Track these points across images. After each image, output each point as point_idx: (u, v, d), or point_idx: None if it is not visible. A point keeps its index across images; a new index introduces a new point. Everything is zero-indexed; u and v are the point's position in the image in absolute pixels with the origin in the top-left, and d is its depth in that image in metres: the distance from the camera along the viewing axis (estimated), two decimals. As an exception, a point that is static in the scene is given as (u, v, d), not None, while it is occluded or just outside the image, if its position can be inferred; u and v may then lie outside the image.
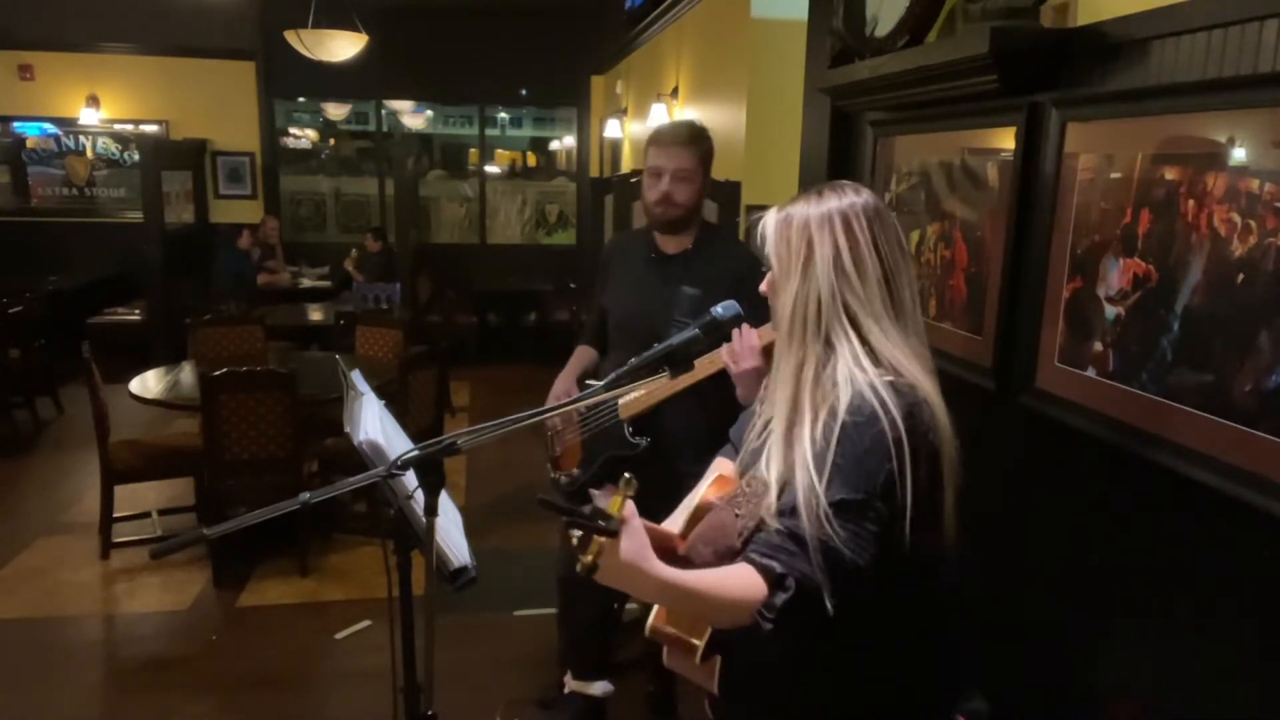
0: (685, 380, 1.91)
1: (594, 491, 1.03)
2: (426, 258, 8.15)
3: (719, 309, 1.45)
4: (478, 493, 4.80)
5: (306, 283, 7.89)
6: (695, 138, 2.34)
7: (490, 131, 9.23)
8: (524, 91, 8.99)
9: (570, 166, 9.27)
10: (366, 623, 3.43)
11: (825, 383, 1.21)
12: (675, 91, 5.77)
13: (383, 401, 1.66)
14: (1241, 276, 1.31)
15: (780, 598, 1.08)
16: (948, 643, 1.38)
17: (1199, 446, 1.39)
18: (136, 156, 7.61)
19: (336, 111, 8.94)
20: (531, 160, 10.03)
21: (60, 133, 8.03)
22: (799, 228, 1.25)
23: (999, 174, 1.93)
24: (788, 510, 1.14)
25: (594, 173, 8.72)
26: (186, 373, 4.43)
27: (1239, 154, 1.33)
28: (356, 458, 1.47)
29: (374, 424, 1.49)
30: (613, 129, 7.40)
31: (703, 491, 1.41)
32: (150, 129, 8.00)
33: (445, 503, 1.48)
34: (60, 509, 4.52)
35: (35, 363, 5.96)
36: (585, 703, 2.72)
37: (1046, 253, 1.76)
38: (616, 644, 2.88)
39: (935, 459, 1.18)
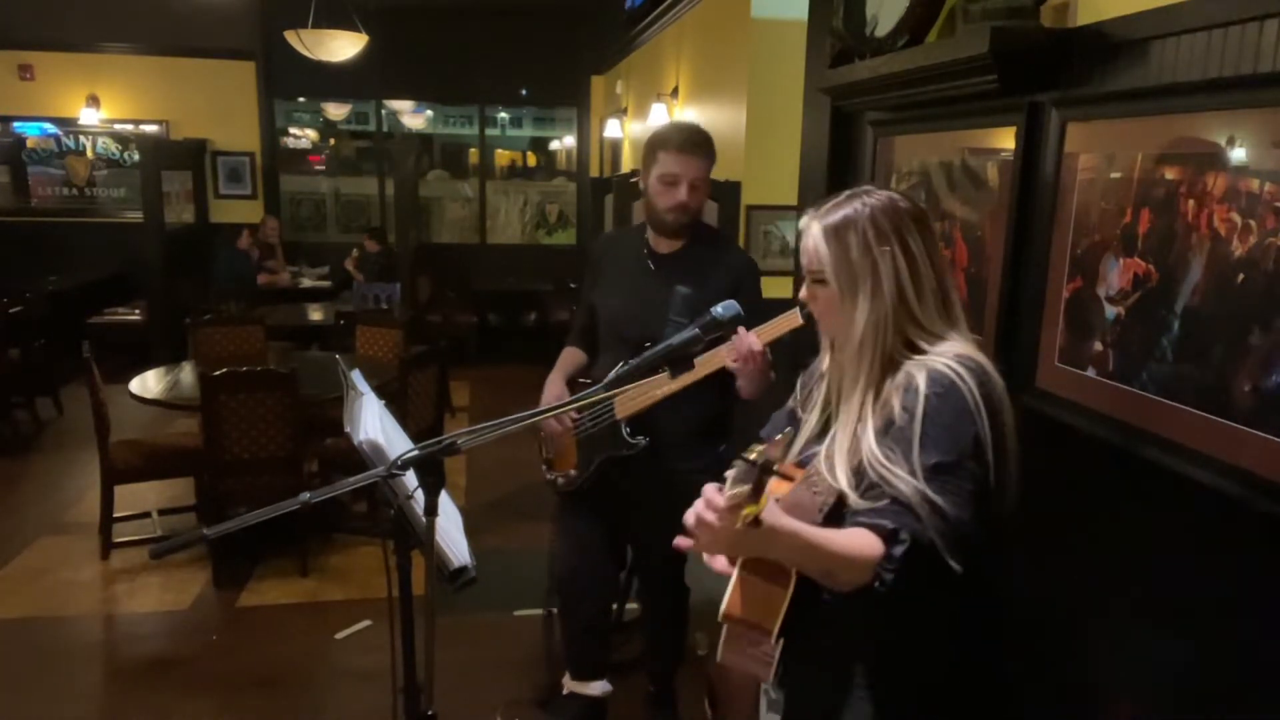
0: (686, 379, 1.91)
1: (756, 446, 1.04)
2: (426, 258, 8.14)
3: (719, 309, 1.45)
4: (478, 493, 4.80)
5: (306, 283, 7.89)
6: (709, 147, 2.34)
7: (490, 131, 9.22)
8: (524, 91, 8.99)
9: (570, 166, 9.27)
10: (366, 623, 3.43)
11: (897, 377, 1.29)
12: (675, 91, 5.77)
13: (383, 401, 1.66)
14: (1241, 276, 1.31)
15: (898, 549, 1.15)
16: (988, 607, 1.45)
17: (1199, 446, 1.39)
18: (136, 156, 7.60)
19: (336, 111, 8.94)
20: (531, 160, 10.03)
21: (60, 133, 8.03)
22: (859, 246, 1.30)
23: (999, 174, 1.93)
24: (885, 482, 1.20)
25: (594, 173, 8.72)
26: (186, 373, 4.43)
27: (1239, 154, 1.33)
28: (356, 458, 1.47)
29: (374, 424, 1.49)
30: (613, 129, 7.40)
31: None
32: (150, 129, 8.00)
33: (445, 503, 1.48)
34: (60, 509, 4.52)
35: (35, 363, 5.95)
36: (584, 703, 2.72)
37: (1046, 253, 1.76)
38: (616, 644, 2.88)
39: (1001, 424, 1.27)
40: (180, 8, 7.49)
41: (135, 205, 7.52)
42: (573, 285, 7.97)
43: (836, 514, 1.26)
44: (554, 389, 2.50)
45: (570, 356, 2.60)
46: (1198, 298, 1.40)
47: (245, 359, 4.56)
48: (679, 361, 1.43)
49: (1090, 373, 1.64)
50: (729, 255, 2.45)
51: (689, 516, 1.10)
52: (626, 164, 7.41)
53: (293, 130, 9.08)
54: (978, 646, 1.42)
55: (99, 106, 7.90)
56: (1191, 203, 1.41)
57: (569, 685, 2.75)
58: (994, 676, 1.83)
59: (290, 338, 6.03)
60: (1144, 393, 1.51)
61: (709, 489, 1.07)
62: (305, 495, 1.36)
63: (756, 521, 1.03)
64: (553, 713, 2.83)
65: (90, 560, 3.93)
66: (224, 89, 8.06)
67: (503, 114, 9.37)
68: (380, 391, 1.79)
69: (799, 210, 3.01)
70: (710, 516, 1.04)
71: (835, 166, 2.67)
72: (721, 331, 1.49)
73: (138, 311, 7.33)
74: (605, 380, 1.51)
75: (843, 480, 1.26)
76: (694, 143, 2.30)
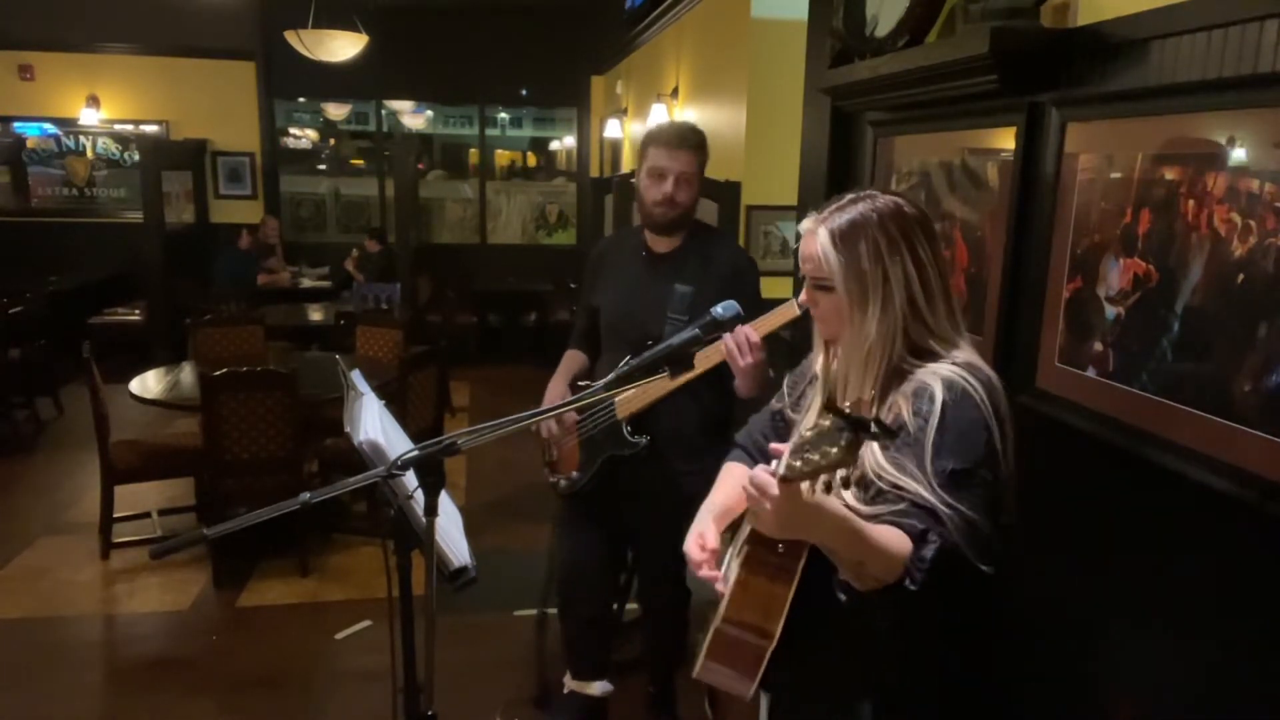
0: (683, 377, 1.91)
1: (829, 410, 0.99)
2: (426, 258, 8.15)
3: (719, 309, 1.45)
4: (478, 493, 4.80)
5: (306, 283, 7.89)
6: (700, 144, 2.35)
7: (490, 131, 9.22)
8: (524, 91, 8.99)
9: (570, 166, 9.27)
10: (366, 623, 3.43)
11: (906, 384, 1.28)
12: (675, 91, 5.77)
13: (383, 401, 1.66)
14: (1241, 276, 1.31)
15: (929, 550, 1.13)
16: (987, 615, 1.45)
17: (1199, 446, 1.39)
18: (136, 156, 7.60)
19: (336, 111, 8.94)
20: (531, 160, 10.03)
21: (60, 133, 8.03)
22: (870, 255, 1.28)
23: (999, 174, 1.93)
24: (899, 488, 1.19)
25: (594, 173, 8.72)
26: (186, 373, 4.43)
27: (1239, 154, 1.33)
28: (356, 458, 1.47)
29: (374, 424, 1.49)
30: (613, 129, 7.40)
31: (722, 494, 1.43)
32: (150, 129, 8.00)
33: (445, 503, 1.48)
34: (60, 509, 4.52)
35: (35, 363, 5.96)
36: (585, 703, 2.72)
37: (1046, 253, 1.76)
38: (616, 644, 2.88)
39: (1006, 437, 1.26)
40: (180, 8, 7.49)
41: (135, 205, 7.52)
42: (573, 285, 7.97)
43: None
44: (555, 392, 2.51)
45: (572, 359, 2.61)
46: (1198, 298, 1.40)
47: (245, 359, 4.56)
48: (679, 361, 1.43)
49: (1090, 373, 1.64)
50: (727, 252, 2.46)
51: (745, 489, 1.07)
52: (626, 164, 7.41)
53: (293, 130, 9.07)
54: (976, 656, 1.40)
55: (99, 107, 7.90)
56: (1191, 203, 1.41)
57: (569, 685, 2.75)
58: (989, 687, 1.82)
59: (290, 338, 6.03)
60: (1144, 393, 1.51)
61: (760, 471, 1.05)
62: (305, 495, 1.36)
63: (830, 486, 0.97)
64: (553, 713, 2.83)
65: (90, 560, 3.93)
66: (224, 89, 8.06)
67: (503, 114, 9.37)
68: (380, 391, 1.79)
69: (799, 210, 3.01)
70: (774, 490, 1.02)
71: (835, 167, 2.67)
72: (721, 331, 1.49)
73: (138, 311, 7.33)
74: (605, 380, 1.51)
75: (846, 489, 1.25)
76: (682, 138, 2.32)
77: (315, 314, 6.60)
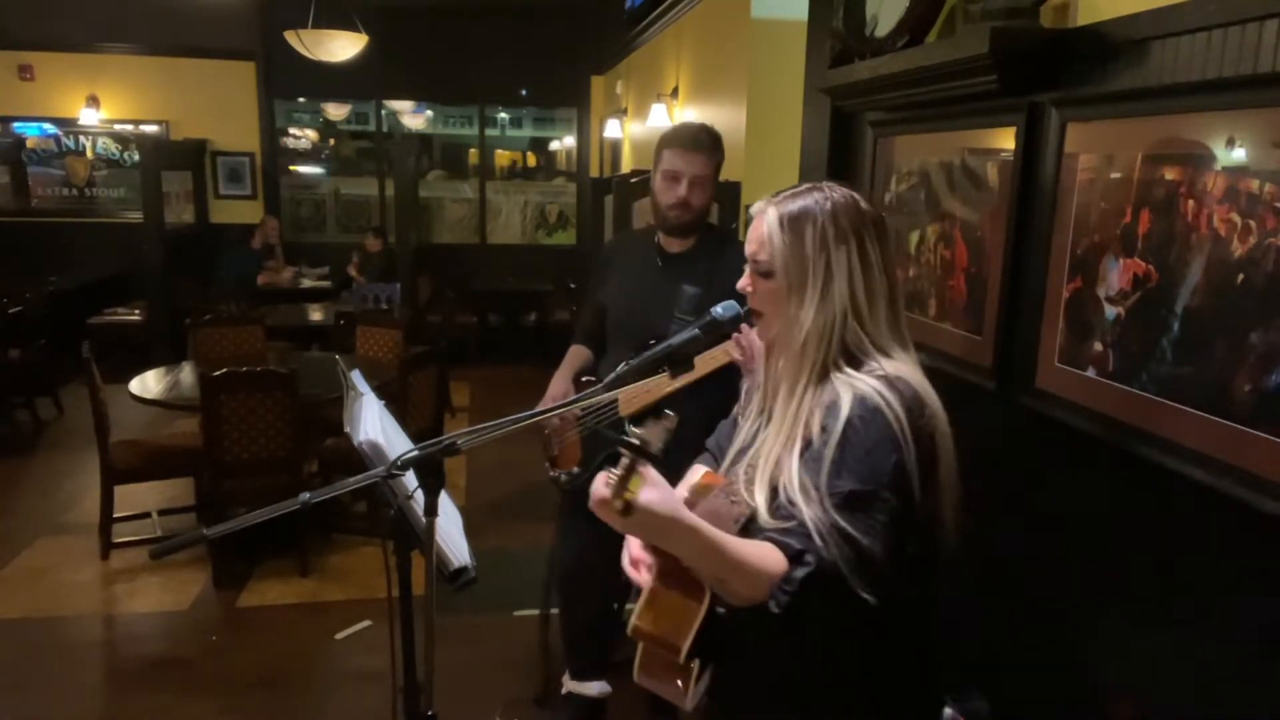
0: (686, 378, 1.91)
1: (633, 428, 1.02)
2: (426, 258, 8.14)
3: (719, 309, 1.45)
4: (478, 493, 4.80)
5: (306, 283, 7.89)
6: (714, 147, 2.35)
7: (490, 131, 9.22)
8: (524, 91, 8.99)
9: (570, 166, 9.27)
10: (366, 623, 3.43)
11: (824, 393, 1.22)
12: (675, 92, 5.77)
13: (383, 401, 1.66)
14: (1241, 277, 1.31)
15: (800, 571, 1.08)
16: (939, 645, 1.36)
17: (1199, 446, 1.39)
18: (136, 157, 7.60)
19: (336, 111, 8.94)
20: (531, 160, 10.03)
21: (60, 133, 8.03)
22: (814, 241, 1.22)
23: (999, 174, 1.93)
24: (794, 504, 1.14)
25: (594, 173, 8.71)
26: (186, 373, 4.43)
27: (1239, 154, 1.33)
28: (356, 458, 1.47)
29: (374, 424, 1.49)
30: (613, 129, 7.40)
31: (683, 493, 1.41)
32: (150, 129, 8.00)
33: (445, 503, 1.48)
34: (60, 509, 4.52)
35: (35, 363, 5.96)
36: (584, 703, 2.72)
37: (1046, 253, 1.76)
38: (616, 644, 2.88)
39: (933, 456, 1.18)
40: (180, 8, 7.49)
41: (135, 205, 7.52)
42: (573, 285, 7.98)
43: (752, 528, 1.19)
44: (558, 387, 2.52)
45: (576, 355, 2.62)
46: (1198, 298, 1.40)
47: (245, 359, 4.56)
48: (679, 361, 1.43)
49: (1090, 373, 1.64)
50: (739, 256, 2.45)
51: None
52: (626, 164, 7.41)
53: (293, 130, 9.07)
54: (911, 682, 1.32)
55: (99, 107, 7.90)
56: (1191, 203, 1.41)
57: (568, 685, 2.75)
58: (988, 687, 1.82)
59: (290, 338, 6.03)
60: (1144, 393, 1.51)
61: (601, 477, 1.05)
62: (305, 495, 1.36)
63: (628, 507, 1.00)
64: (552, 713, 2.83)
65: (90, 560, 3.93)
66: (224, 89, 8.06)
67: (503, 114, 9.37)
68: (380, 392, 1.79)
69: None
70: (603, 493, 1.02)
71: (835, 167, 2.67)
72: (721, 332, 1.49)
73: (138, 311, 7.33)
74: (606, 380, 1.51)
75: (759, 497, 1.19)
76: (697, 140, 2.31)
77: (315, 314, 6.60)
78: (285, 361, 4.26)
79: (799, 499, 1.13)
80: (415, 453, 1.35)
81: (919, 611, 1.29)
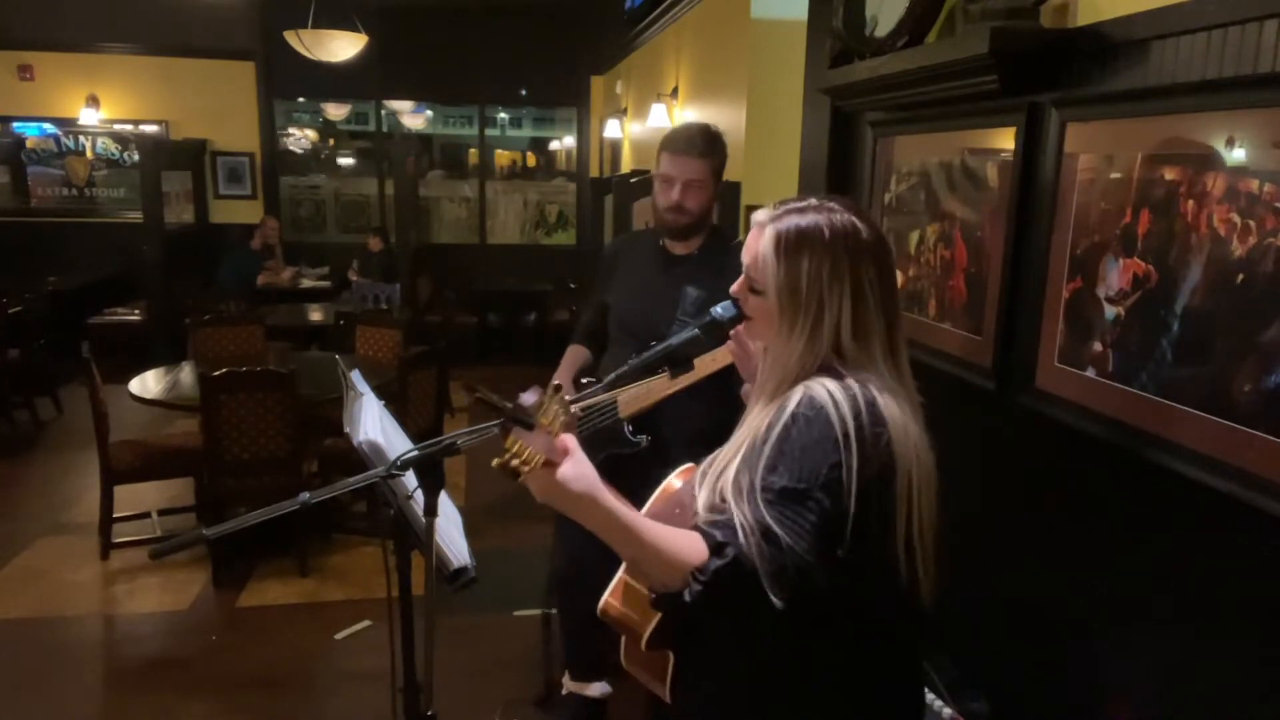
0: (686, 379, 1.91)
1: (522, 394, 1.02)
2: (426, 258, 8.14)
3: (718, 309, 1.45)
4: (478, 493, 4.80)
5: (306, 283, 7.89)
6: (709, 149, 2.32)
7: (490, 131, 9.22)
8: (524, 91, 8.98)
9: (570, 166, 9.27)
10: (366, 623, 3.43)
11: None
12: (675, 92, 5.76)
13: (382, 401, 1.66)
14: (1241, 277, 1.31)
15: (715, 563, 1.07)
16: (900, 662, 1.32)
17: (1199, 447, 1.39)
18: (136, 156, 7.60)
19: (336, 111, 8.94)
20: (531, 160, 10.03)
21: (60, 133, 8.03)
22: (809, 277, 1.19)
23: (999, 174, 1.93)
24: (726, 500, 1.14)
25: (594, 173, 8.71)
26: (186, 373, 4.43)
27: (1239, 154, 1.33)
28: (356, 458, 1.47)
29: (374, 424, 1.49)
30: (613, 129, 7.40)
31: (676, 484, 1.42)
32: (150, 129, 7.99)
33: (445, 503, 1.48)
34: (60, 509, 4.52)
35: (35, 363, 5.96)
36: (584, 703, 2.72)
37: (1046, 253, 1.76)
38: (615, 644, 2.88)
39: (889, 468, 1.15)
40: (180, 8, 7.49)
41: (135, 205, 7.52)
42: (572, 285, 7.98)
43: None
44: None
45: (575, 354, 2.62)
46: (1197, 298, 1.40)
47: (245, 359, 4.56)
48: (678, 362, 1.43)
49: (1090, 373, 1.64)
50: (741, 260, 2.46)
51: None
52: (626, 164, 7.41)
53: (292, 130, 9.07)
54: (872, 695, 1.28)
55: (99, 107, 7.90)
56: (1191, 203, 1.41)
57: (568, 685, 2.75)
58: (988, 686, 1.82)
59: (290, 338, 6.03)
60: (1144, 393, 1.51)
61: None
62: (305, 495, 1.37)
63: (514, 473, 1.01)
64: (552, 713, 2.83)
65: (90, 560, 3.93)
66: (224, 89, 8.06)
67: (502, 114, 9.37)
68: (380, 392, 1.79)
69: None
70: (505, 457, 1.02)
71: (835, 167, 2.67)
72: (722, 332, 1.49)
73: (138, 311, 7.33)
74: (606, 380, 1.51)
75: (702, 496, 1.19)
76: (689, 144, 2.31)
77: (315, 314, 6.59)
78: (285, 361, 4.25)
79: (730, 495, 1.13)
80: (415, 453, 1.35)
81: (871, 627, 1.25)
